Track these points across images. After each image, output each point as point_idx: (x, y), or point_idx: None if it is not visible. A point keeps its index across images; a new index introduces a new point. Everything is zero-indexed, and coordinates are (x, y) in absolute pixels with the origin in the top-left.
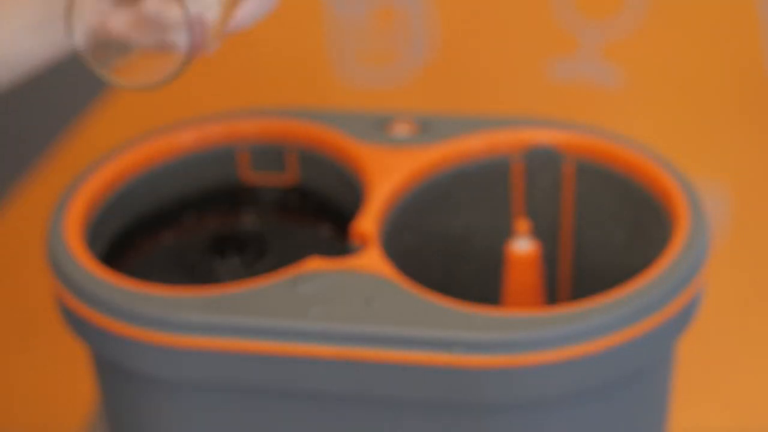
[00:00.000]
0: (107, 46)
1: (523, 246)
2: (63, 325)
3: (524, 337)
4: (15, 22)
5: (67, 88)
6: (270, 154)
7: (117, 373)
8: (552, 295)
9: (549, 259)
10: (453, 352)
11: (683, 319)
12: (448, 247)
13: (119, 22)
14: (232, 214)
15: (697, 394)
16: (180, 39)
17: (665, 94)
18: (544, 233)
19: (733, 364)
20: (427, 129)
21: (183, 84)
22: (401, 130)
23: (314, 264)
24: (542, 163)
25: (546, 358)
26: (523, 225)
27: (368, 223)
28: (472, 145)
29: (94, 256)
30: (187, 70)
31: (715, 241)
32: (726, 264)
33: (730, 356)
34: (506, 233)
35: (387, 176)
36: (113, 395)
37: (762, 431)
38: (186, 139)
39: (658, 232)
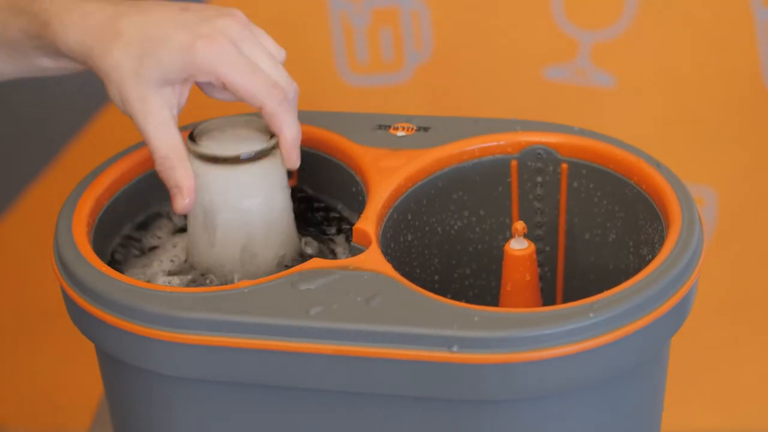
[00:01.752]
0: None
1: (518, 245)
2: (70, 322)
3: (521, 335)
4: None
5: (74, 91)
6: None
7: (122, 369)
8: (548, 294)
9: (545, 258)
10: (452, 350)
11: (678, 316)
12: (447, 246)
13: None
14: None
15: (684, 393)
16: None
17: (657, 98)
18: (541, 233)
19: (717, 364)
20: (427, 130)
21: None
22: (401, 131)
23: (315, 263)
24: (538, 163)
25: (542, 355)
26: (519, 225)
27: (369, 223)
28: (470, 146)
29: (100, 255)
30: None
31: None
32: (712, 265)
33: (715, 357)
34: (504, 233)
35: (387, 177)
36: (119, 391)
37: (747, 430)
38: None
39: (651, 231)
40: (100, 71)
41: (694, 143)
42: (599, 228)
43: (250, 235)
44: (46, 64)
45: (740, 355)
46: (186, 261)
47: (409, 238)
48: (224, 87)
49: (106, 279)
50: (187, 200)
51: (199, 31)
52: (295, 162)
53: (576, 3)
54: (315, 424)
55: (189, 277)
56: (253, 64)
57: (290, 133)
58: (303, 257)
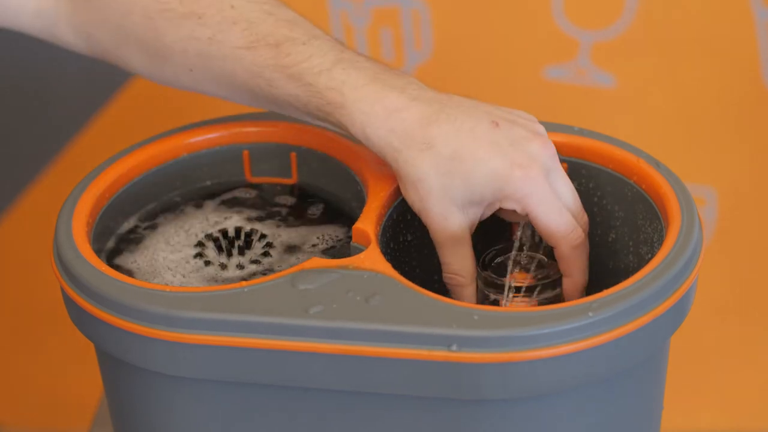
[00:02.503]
0: None
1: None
2: (70, 322)
3: (520, 334)
4: None
5: (74, 91)
6: (272, 154)
7: (122, 369)
8: None
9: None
10: (451, 349)
11: (677, 315)
12: None
13: None
14: (236, 213)
15: (684, 393)
16: None
17: (657, 98)
18: None
19: (717, 364)
20: None
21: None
22: None
23: (315, 263)
24: None
25: (541, 354)
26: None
27: (368, 222)
28: None
29: (100, 254)
30: None
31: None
32: (712, 265)
33: (715, 356)
34: (504, 232)
35: (386, 176)
36: (119, 391)
37: (747, 430)
38: (191, 141)
39: (651, 231)
40: (405, 175)
41: (694, 143)
42: (599, 228)
43: None
44: (307, 119)
45: (740, 355)
46: None
47: (409, 237)
48: (526, 215)
49: (106, 279)
50: None
51: (514, 159)
52: None
53: (576, 3)
54: (314, 423)
55: None
56: (560, 202)
57: (580, 279)
58: None
